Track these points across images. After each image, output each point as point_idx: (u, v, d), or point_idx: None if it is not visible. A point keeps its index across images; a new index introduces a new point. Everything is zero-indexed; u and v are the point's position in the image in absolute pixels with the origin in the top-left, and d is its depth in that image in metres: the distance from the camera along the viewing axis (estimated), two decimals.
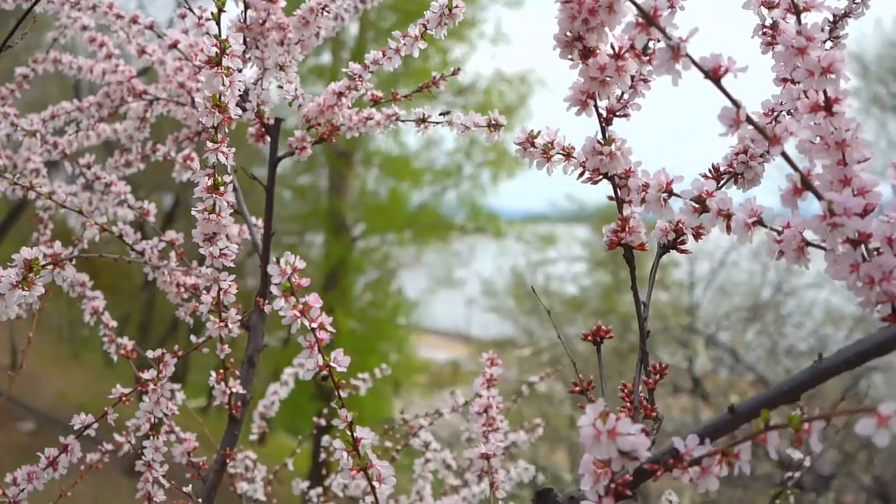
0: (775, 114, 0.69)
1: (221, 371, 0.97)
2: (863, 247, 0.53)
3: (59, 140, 1.18)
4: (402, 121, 0.96)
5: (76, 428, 0.91)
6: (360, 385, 1.37)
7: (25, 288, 0.68)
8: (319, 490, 1.35)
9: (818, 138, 0.54)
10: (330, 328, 0.62)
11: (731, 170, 0.69)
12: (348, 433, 0.65)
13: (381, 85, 1.05)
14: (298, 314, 0.61)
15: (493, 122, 0.85)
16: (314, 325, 0.62)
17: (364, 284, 11.42)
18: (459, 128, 0.89)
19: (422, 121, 0.94)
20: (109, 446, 1.13)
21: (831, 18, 0.71)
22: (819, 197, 0.51)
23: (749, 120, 0.50)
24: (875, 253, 0.52)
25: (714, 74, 0.51)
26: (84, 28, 1.20)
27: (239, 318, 0.92)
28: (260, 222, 1.14)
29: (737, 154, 0.68)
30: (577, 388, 0.56)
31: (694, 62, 0.51)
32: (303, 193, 11.39)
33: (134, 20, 1.11)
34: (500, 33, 10.34)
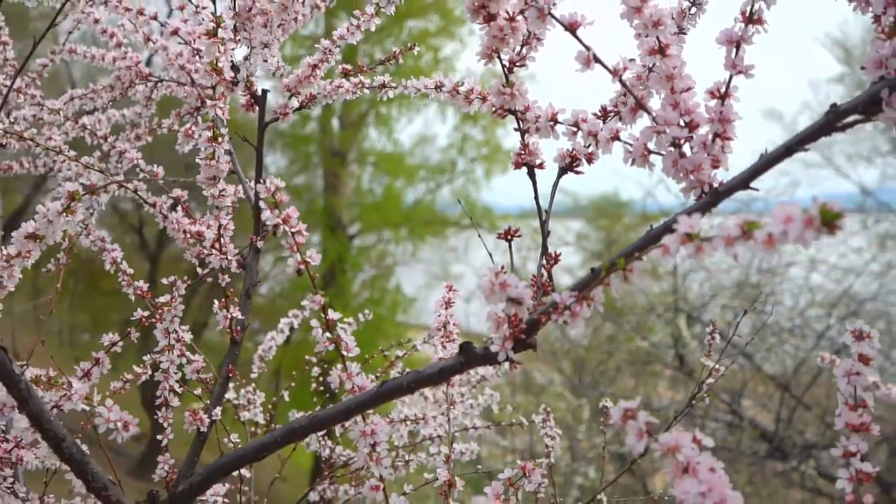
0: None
1: (223, 299, 1.16)
2: (687, 148, 0.73)
3: (81, 118, 1.37)
4: (367, 88, 1.16)
5: (105, 344, 1.11)
6: (346, 328, 1.57)
7: (69, 214, 0.88)
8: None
9: (655, 74, 0.74)
10: (305, 233, 0.82)
11: (615, 109, 0.88)
12: (322, 315, 0.85)
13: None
14: (282, 222, 0.81)
15: (438, 84, 1.05)
16: (294, 230, 0.82)
17: (361, 282, 11.60)
18: (413, 90, 1.08)
19: (382, 86, 1.14)
20: (131, 374, 1.32)
21: None
22: (648, 113, 0.71)
23: (596, 59, 0.70)
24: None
25: (572, 27, 0.71)
26: (96, 21, 1.40)
27: (237, 252, 1.11)
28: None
29: (619, 96, 0.88)
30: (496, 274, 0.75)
31: (556, 19, 0.71)
32: (298, 194, 11.57)
33: (140, 12, 1.31)
34: None
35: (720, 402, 6.78)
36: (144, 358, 1.36)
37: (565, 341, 8.35)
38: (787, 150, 0.66)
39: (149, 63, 1.48)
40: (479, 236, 1.08)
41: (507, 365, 0.77)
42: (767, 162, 0.66)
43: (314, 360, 1.62)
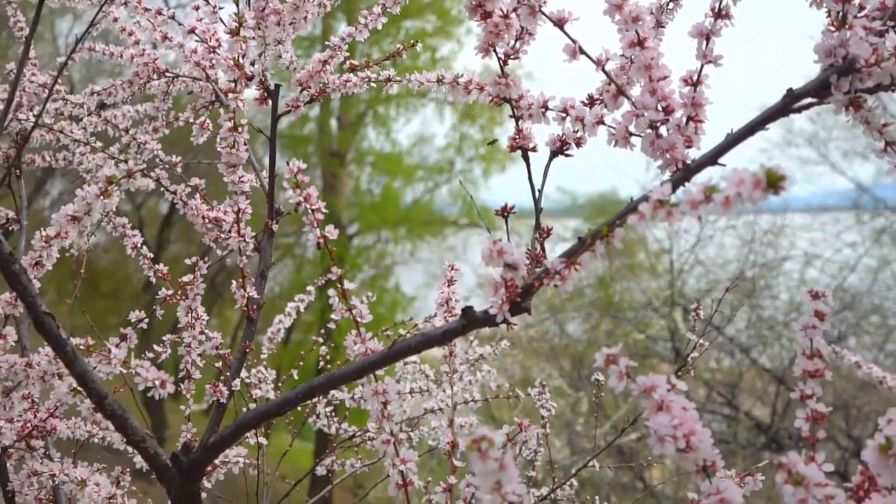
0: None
1: (241, 279, 1.25)
2: (663, 130, 0.82)
3: (102, 112, 1.46)
4: (373, 82, 1.25)
5: (133, 320, 1.19)
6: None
7: (106, 197, 0.96)
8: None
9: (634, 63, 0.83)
10: (324, 210, 0.91)
11: (600, 96, 0.97)
12: (339, 285, 0.94)
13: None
14: (303, 200, 0.90)
15: (440, 77, 1.14)
16: (313, 207, 0.91)
17: (361, 282, 11.70)
18: (416, 84, 1.17)
19: (388, 80, 1.23)
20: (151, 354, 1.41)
21: None
22: (629, 99, 0.80)
23: (581, 51, 0.79)
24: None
25: (560, 23, 0.80)
26: (115, 20, 1.48)
27: (254, 234, 1.20)
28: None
29: (603, 85, 0.97)
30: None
31: (546, 16, 0.80)
32: None
33: (158, 12, 1.39)
34: None
35: (718, 395, 6.88)
36: (164, 337, 1.44)
37: (564, 336, 8.45)
38: (751, 129, 0.75)
39: None
40: (483, 222, 1.17)
41: (504, 344, 0.86)
42: (733, 140, 0.75)
43: (321, 339, 1.73)
